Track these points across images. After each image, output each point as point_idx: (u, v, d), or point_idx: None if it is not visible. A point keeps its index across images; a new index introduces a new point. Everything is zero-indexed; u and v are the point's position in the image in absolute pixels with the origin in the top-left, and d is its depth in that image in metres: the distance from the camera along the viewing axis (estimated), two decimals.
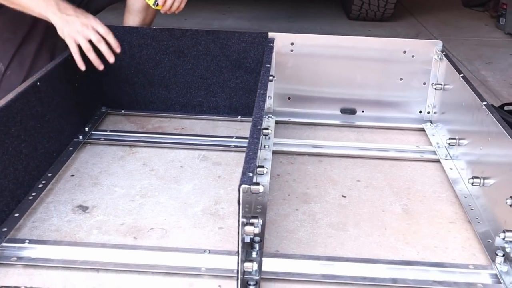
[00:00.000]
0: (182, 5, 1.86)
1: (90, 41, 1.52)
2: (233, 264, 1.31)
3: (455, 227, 1.52)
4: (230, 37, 2.03)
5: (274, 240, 1.44)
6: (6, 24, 1.81)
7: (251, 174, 1.12)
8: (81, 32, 1.48)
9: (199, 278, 1.30)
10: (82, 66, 1.48)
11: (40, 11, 1.53)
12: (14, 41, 1.90)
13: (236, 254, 1.32)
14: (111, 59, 1.46)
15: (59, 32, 1.51)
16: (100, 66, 1.46)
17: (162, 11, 1.89)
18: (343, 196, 1.66)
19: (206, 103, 2.12)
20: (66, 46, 1.78)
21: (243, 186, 1.09)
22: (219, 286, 1.28)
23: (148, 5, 1.89)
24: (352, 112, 2.10)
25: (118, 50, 1.47)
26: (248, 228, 1.15)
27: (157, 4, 1.86)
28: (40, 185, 1.59)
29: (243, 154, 1.86)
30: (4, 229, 1.40)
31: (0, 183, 1.39)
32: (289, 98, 2.10)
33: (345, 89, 2.09)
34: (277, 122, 2.07)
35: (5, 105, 1.41)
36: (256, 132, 1.30)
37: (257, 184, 1.19)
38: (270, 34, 2.02)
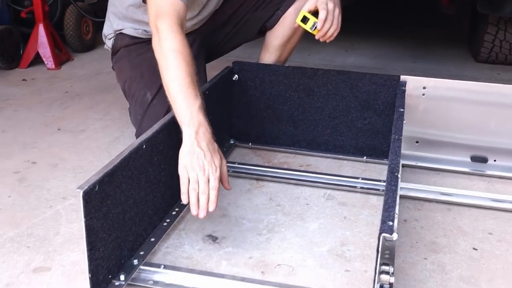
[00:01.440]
0: (335, 34, 1.88)
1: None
2: None
3: None
4: (361, 78, 2.04)
5: None
6: None
7: (391, 223, 1.11)
8: (196, 171, 1.44)
9: None
10: (185, 200, 1.48)
11: (181, 121, 1.50)
12: None
13: None
14: (201, 213, 1.45)
15: (180, 152, 1.48)
16: (194, 212, 1.45)
17: (317, 37, 1.89)
18: (474, 248, 1.60)
19: (332, 141, 2.13)
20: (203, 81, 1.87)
21: (384, 235, 1.08)
22: None
23: (286, 41, 1.92)
24: (484, 160, 2.03)
25: (211, 208, 1.45)
26: (384, 277, 1.13)
27: (315, 28, 1.87)
28: (174, 212, 1.67)
29: (369, 196, 1.86)
30: (142, 253, 1.47)
31: (141, 209, 1.47)
32: (417, 142, 2.07)
33: (477, 136, 2.02)
34: (403, 166, 2.04)
35: (150, 136, 1.49)
36: (394, 179, 1.29)
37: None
38: (402, 77, 2.01)
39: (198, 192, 1.43)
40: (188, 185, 1.46)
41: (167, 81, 1.53)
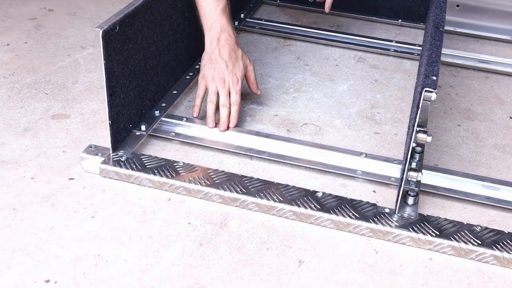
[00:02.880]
0: None
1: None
2: (389, 170, 1.26)
3: None
4: None
5: (433, 154, 1.36)
6: None
7: (435, 78, 1.02)
8: (216, 84, 1.35)
9: (354, 181, 1.25)
10: (195, 113, 1.36)
11: (203, 25, 1.39)
12: None
13: (394, 161, 1.27)
14: (221, 127, 1.33)
15: (202, 60, 1.38)
16: (210, 124, 1.32)
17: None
18: (511, 117, 1.52)
19: (365, 2, 1.99)
20: None
21: (426, 89, 0.99)
22: (374, 191, 1.23)
23: None
24: None
25: (232, 124, 1.33)
26: (421, 136, 1.07)
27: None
28: (197, 66, 1.58)
29: (402, 60, 1.76)
30: (163, 104, 1.41)
31: (163, 58, 1.39)
32: (457, 5, 1.93)
33: None
34: None
35: None
36: (439, 34, 1.18)
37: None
38: None
39: (216, 105, 1.36)
40: (203, 96, 1.38)
41: None
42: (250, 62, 1.43)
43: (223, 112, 1.36)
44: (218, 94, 1.37)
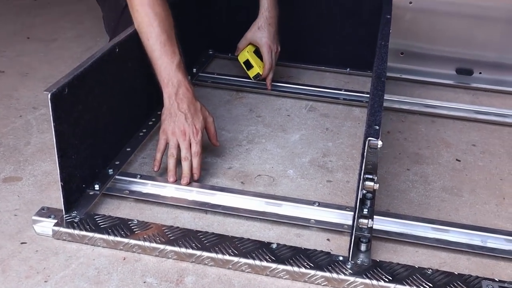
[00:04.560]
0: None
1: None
2: (342, 218, 1.28)
3: None
4: None
5: (384, 199, 1.39)
6: None
7: (377, 127, 1.06)
8: (177, 137, 1.37)
9: (308, 230, 1.27)
10: (155, 167, 1.39)
11: (160, 82, 1.41)
12: None
13: (347, 209, 1.30)
14: (183, 180, 1.35)
15: (162, 115, 1.41)
16: (170, 179, 1.36)
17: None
18: (457, 160, 1.57)
19: (315, 53, 2.06)
20: None
21: (369, 139, 1.03)
22: (328, 239, 1.25)
23: None
24: (469, 72, 1.98)
25: (196, 177, 1.36)
26: (368, 183, 1.10)
27: (257, 77, 1.86)
28: (150, 123, 1.60)
29: (352, 108, 1.81)
30: (117, 162, 1.41)
31: (116, 117, 1.40)
32: (402, 53, 2.01)
33: (463, 49, 1.97)
34: (387, 77, 1.97)
35: (124, 39, 1.41)
36: (380, 84, 1.23)
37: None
38: None
39: (177, 158, 1.38)
40: (163, 151, 1.40)
41: (143, 40, 1.43)
42: (209, 114, 1.45)
43: (185, 165, 1.37)
44: (179, 147, 1.39)
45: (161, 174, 1.41)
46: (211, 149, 1.52)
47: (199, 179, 1.38)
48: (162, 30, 1.41)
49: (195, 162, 1.38)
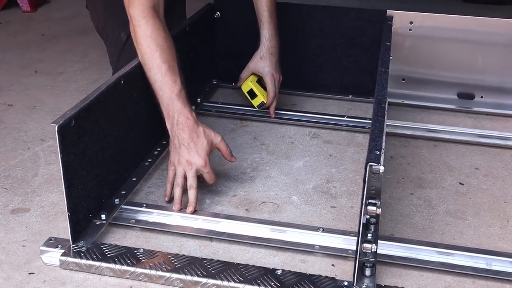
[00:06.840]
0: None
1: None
2: (346, 243, 1.29)
3: None
4: (346, 14, 1.98)
5: (388, 223, 1.40)
6: None
7: (378, 153, 1.08)
8: (183, 166, 1.40)
9: (313, 256, 1.28)
10: (166, 198, 1.44)
11: (163, 114, 1.44)
12: None
13: (351, 234, 1.31)
14: (188, 209, 1.38)
15: (169, 146, 1.45)
16: (175, 207, 1.40)
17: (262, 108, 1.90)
18: (460, 183, 1.58)
19: (317, 80, 2.09)
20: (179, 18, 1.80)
21: (370, 164, 1.05)
22: (333, 265, 1.25)
23: None
24: (470, 97, 2.00)
25: (190, 209, 1.38)
26: (371, 208, 1.11)
27: (261, 106, 1.89)
28: (156, 152, 1.63)
29: (355, 134, 1.83)
30: (123, 192, 1.43)
31: (121, 147, 1.43)
32: (403, 79, 2.03)
33: (464, 73, 1.99)
34: (389, 103, 2.00)
35: (128, 72, 1.44)
36: (381, 110, 1.25)
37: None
38: (389, 12, 1.96)
39: (183, 188, 1.41)
40: (172, 181, 1.43)
41: (146, 71, 1.45)
42: (216, 135, 1.46)
43: (191, 193, 1.39)
44: (185, 177, 1.40)
45: (167, 203, 1.43)
46: (216, 177, 1.54)
47: (203, 208, 1.40)
48: (163, 61, 1.44)
49: (191, 194, 1.39)
